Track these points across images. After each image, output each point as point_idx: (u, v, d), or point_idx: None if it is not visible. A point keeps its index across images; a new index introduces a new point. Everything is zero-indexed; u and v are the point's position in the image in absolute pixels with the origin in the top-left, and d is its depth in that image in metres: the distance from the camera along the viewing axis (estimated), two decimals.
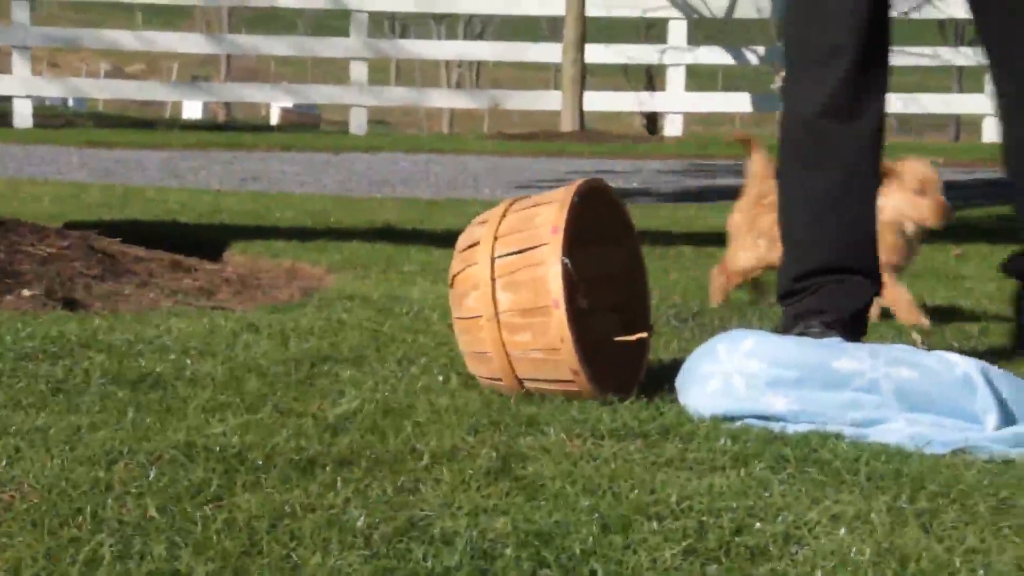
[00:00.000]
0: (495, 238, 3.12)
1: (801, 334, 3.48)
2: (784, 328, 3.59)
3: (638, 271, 3.40)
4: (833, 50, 3.55)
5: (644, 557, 2.06)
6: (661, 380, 3.21)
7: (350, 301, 4.42)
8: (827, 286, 3.61)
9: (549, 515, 2.24)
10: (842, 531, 2.21)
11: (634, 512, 2.26)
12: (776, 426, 2.90)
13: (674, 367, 3.20)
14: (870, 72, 3.60)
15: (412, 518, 2.21)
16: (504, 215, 3.18)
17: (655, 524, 2.21)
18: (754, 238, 4.74)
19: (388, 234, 6.97)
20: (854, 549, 2.12)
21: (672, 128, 18.89)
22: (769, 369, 3.00)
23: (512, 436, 2.75)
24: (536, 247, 3.06)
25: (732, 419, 2.95)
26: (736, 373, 3.01)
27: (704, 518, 2.25)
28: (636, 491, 2.39)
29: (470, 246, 3.18)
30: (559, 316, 3.00)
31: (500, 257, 3.10)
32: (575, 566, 2.02)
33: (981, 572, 2.04)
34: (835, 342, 3.17)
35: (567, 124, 18.77)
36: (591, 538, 2.13)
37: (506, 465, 2.53)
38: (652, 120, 21.02)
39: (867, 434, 2.87)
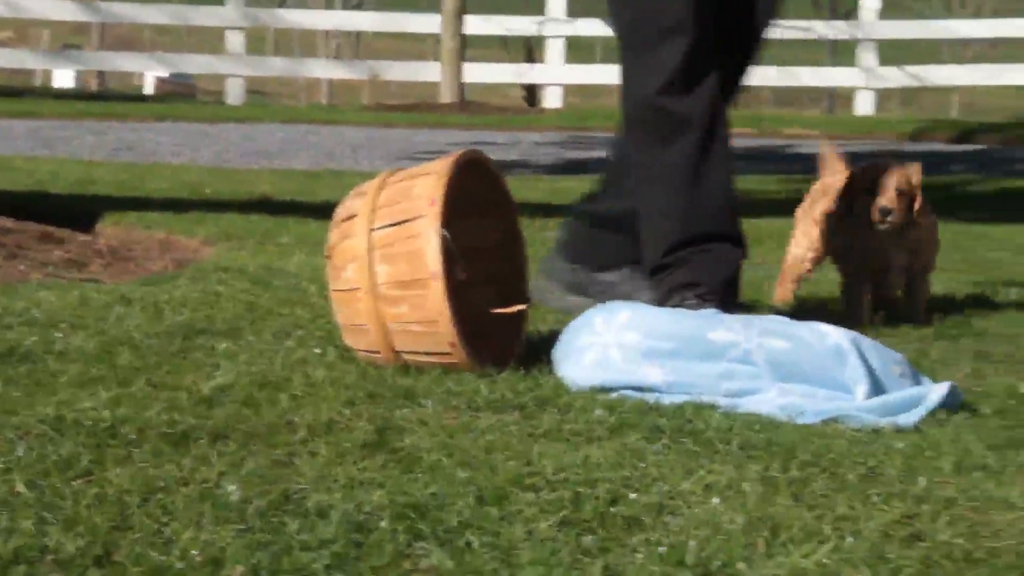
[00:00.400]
0: (373, 210, 3.11)
1: (677, 307, 3.52)
2: (659, 303, 3.62)
3: (516, 243, 3.41)
4: (672, 28, 3.58)
5: (520, 528, 2.07)
6: (539, 352, 3.22)
7: (225, 273, 4.38)
8: (695, 257, 3.66)
9: (425, 487, 2.24)
10: (715, 500, 2.24)
11: (510, 484, 2.27)
12: (651, 397, 2.93)
13: (552, 339, 3.21)
14: (710, 46, 3.64)
15: (287, 492, 2.20)
16: (382, 187, 3.16)
17: (531, 495, 2.22)
18: (803, 230, 4.50)
19: (265, 206, 6.90)
20: (727, 518, 2.14)
21: (551, 100, 18.92)
22: (645, 340, 3.02)
23: (389, 409, 2.74)
24: (414, 219, 3.05)
25: (608, 390, 2.97)
26: (613, 345, 3.03)
27: (580, 489, 2.26)
28: (513, 463, 2.39)
29: (347, 218, 3.16)
30: (437, 289, 2.99)
31: (378, 229, 3.08)
32: (451, 538, 2.02)
33: (850, 539, 2.07)
34: (710, 313, 3.20)
35: (447, 96, 18.73)
36: (467, 510, 2.13)
37: (382, 438, 2.52)
38: (532, 92, 21.04)
39: (740, 404, 2.90)
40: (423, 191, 3.06)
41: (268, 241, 5.46)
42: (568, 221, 4.13)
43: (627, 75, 3.73)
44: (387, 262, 3.05)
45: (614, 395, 2.93)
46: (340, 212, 3.20)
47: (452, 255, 3.14)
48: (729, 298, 3.64)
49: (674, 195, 3.67)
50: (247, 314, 3.67)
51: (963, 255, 5.82)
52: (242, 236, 5.58)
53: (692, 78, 3.62)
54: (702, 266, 3.65)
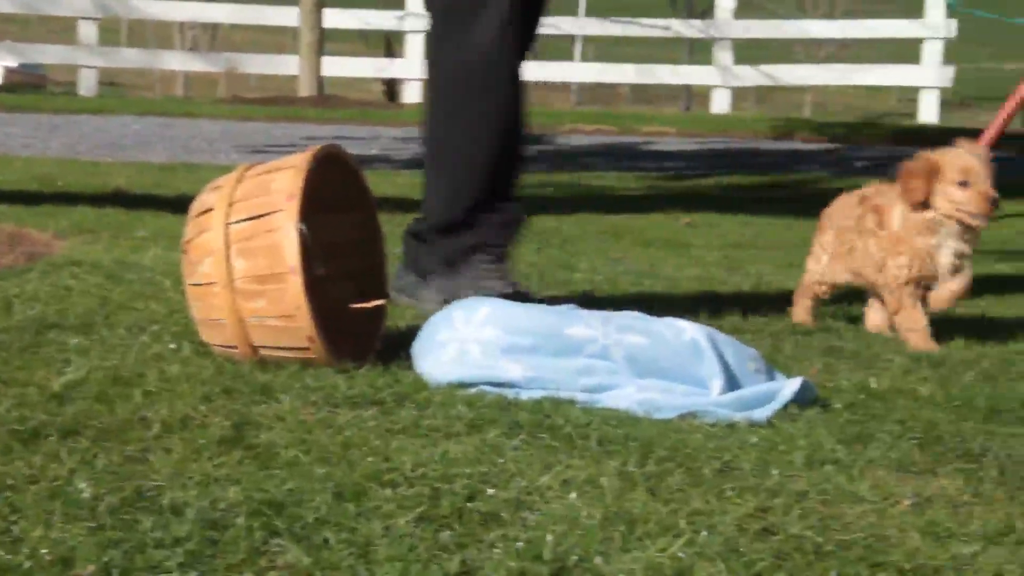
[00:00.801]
0: (230, 204, 3.07)
1: (473, 273, 3.74)
2: (447, 263, 3.80)
3: (375, 238, 3.39)
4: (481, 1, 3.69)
5: (378, 525, 2.06)
6: (398, 347, 3.21)
7: (78, 267, 4.30)
8: (487, 218, 3.81)
9: (282, 484, 2.22)
10: (573, 495, 2.25)
11: (368, 480, 2.26)
12: (511, 392, 2.93)
13: (411, 334, 3.20)
14: (520, 20, 3.80)
15: (140, 489, 2.16)
16: (239, 180, 3.12)
17: (389, 491, 2.21)
18: (817, 252, 4.23)
19: (119, 199, 6.79)
20: (584, 513, 2.15)
21: (411, 95, 18.88)
22: (504, 336, 3.03)
23: (246, 404, 2.71)
24: (272, 213, 3.02)
25: (468, 386, 2.97)
26: (472, 340, 3.03)
27: (438, 485, 2.26)
28: (371, 459, 2.38)
29: (204, 212, 3.12)
30: (295, 283, 2.97)
31: (235, 223, 3.05)
32: (308, 535, 2.01)
33: (704, 533, 2.10)
34: (568, 308, 3.21)
35: (305, 89, 18.59)
36: (324, 506, 2.12)
37: (239, 434, 2.50)
38: (391, 87, 20.98)
39: (599, 400, 2.92)
40: (281, 186, 3.04)
41: (122, 235, 5.38)
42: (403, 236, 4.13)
43: (438, 46, 3.82)
44: (244, 257, 3.02)
45: (473, 391, 2.93)
46: (196, 206, 3.16)
47: (310, 250, 3.12)
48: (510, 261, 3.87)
49: (464, 162, 3.83)
50: (100, 309, 3.61)
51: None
52: (95, 229, 5.49)
53: (502, 53, 3.81)
54: (494, 228, 3.80)
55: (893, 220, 3.85)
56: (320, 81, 18.65)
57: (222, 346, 3.09)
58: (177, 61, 21.91)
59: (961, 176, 3.68)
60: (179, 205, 4.79)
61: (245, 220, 3.04)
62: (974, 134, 7.96)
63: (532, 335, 3.03)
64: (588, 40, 20.64)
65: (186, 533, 1.98)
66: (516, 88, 3.89)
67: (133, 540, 1.95)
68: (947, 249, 3.79)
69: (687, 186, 8.64)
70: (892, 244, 3.84)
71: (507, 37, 3.82)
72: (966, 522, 2.23)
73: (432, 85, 3.90)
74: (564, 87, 18.36)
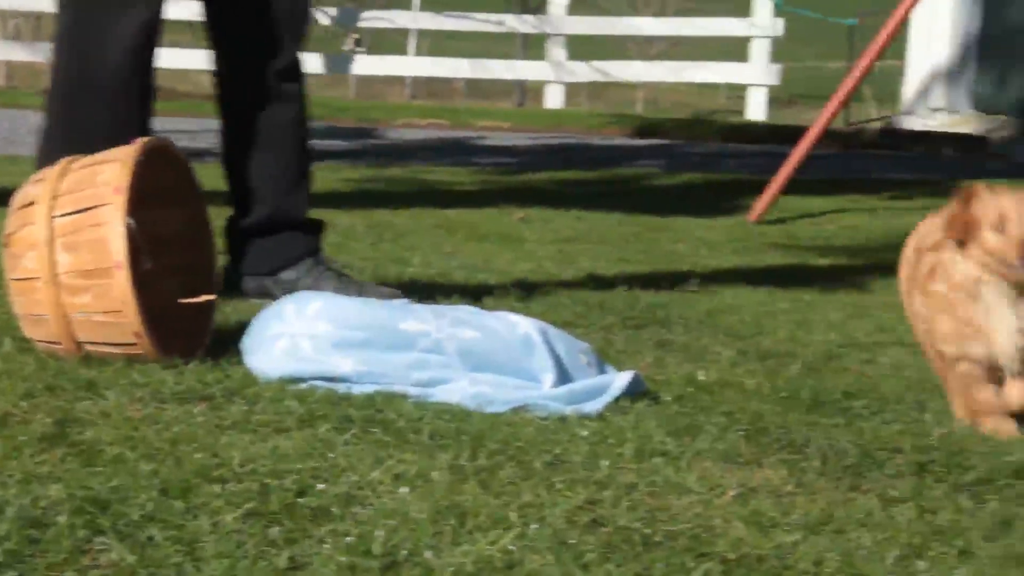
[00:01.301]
0: (54, 197, 3.00)
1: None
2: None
3: (203, 233, 3.35)
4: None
5: (205, 521, 2.03)
6: (227, 342, 3.17)
7: None
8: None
9: (107, 481, 2.18)
10: (404, 490, 2.25)
11: (196, 476, 2.23)
12: (342, 387, 2.92)
13: (241, 329, 3.17)
14: (160, 23, 3.83)
15: None
16: (64, 173, 3.06)
17: (217, 487, 2.19)
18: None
19: None
20: (415, 507, 2.15)
21: None
22: (336, 331, 3.01)
23: (69, 401, 2.66)
24: (98, 207, 2.96)
25: (298, 381, 2.95)
26: (303, 335, 3.01)
27: (267, 480, 2.24)
28: (199, 455, 2.35)
29: (26, 205, 3.04)
30: (122, 278, 2.91)
31: (60, 216, 2.98)
32: (132, 532, 1.97)
33: (535, 526, 2.11)
34: (402, 303, 3.21)
35: None
36: (151, 503, 2.08)
37: (62, 430, 2.45)
38: None
39: (431, 394, 2.92)
40: (108, 179, 2.98)
41: None
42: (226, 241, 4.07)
43: (72, 39, 3.73)
44: (69, 251, 2.96)
45: (304, 385, 2.91)
46: (19, 199, 3.08)
47: (137, 244, 3.07)
48: None
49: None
50: None
51: (645, 247, 5.99)
52: None
53: (141, 53, 3.80)
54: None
55: (946, 270, 2.98)
56: None
57: (45, 342, 3.02)
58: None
59: (996, 219, 2.84)
60: (1, 198, 4.68)
61: (70, 214, 2.97)
62: (800, 132, 8.13)
63: (364, 329, 3.01)
64: (422, 34, 20.62)
65: (5, 532, 1.93)
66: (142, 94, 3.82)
67: None
68: (1003, 319, 2.89)
69: (521, 181, 8.68)
70: (936, 305, 3.01)
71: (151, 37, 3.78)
72: (789, 511, 2.27)
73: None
74: (398, 81, 18.33)
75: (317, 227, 4.01)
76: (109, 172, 2.99)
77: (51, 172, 3.07)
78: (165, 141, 3.18)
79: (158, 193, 3.22)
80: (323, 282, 3.83)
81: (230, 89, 3.99)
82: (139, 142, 3.07)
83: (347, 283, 3.84)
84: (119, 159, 3.01)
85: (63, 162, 3.10)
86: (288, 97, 3.94)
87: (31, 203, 3.03)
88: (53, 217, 2.98)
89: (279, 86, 3.93)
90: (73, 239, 2.96)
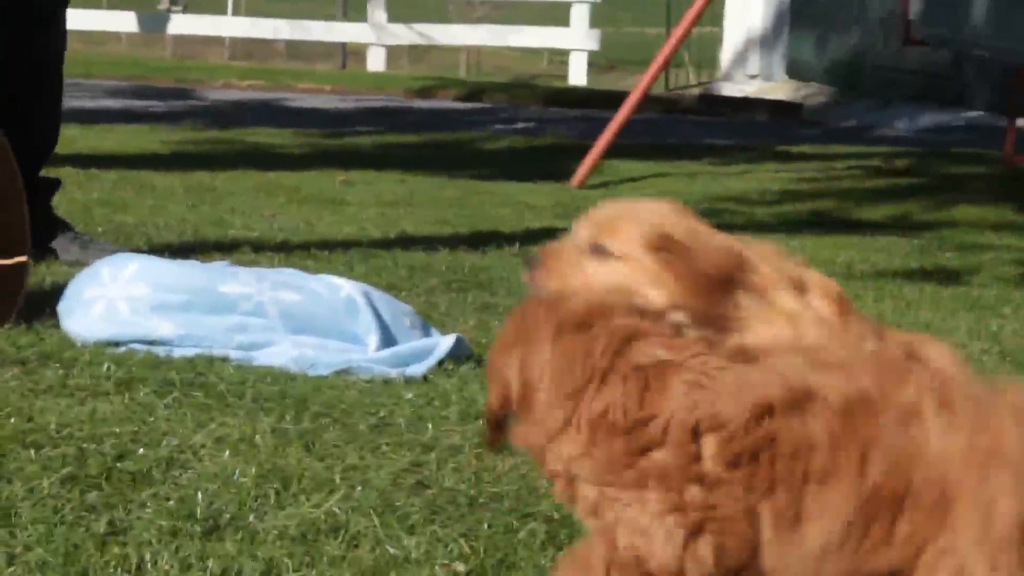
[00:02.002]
0: None
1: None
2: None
3: (11, 193, 3.25)
4: None
5: (20, 487, 1.99)
6: (42, 305, 3.10)
7: None
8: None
9: None
10: (227, 454, 2.22)
11: (10, 441, 2.17)
12: (162, 350, 2.87)
13: (56, 292, 3.09)
14: None
15: None
16: None
17: (32, 452, 2.13)
18: None
19: None
20: (238, 471, 2.13)
21: None
22: (154, 294, 2.95)
23: None
24: None
25: (117, 344, 2.89)
26: (120, 298, 2.95)
27: (85, 445, 2.19)
28: (13, 419, 2.29)
29: None
30: None
31: None
32: None
33: (360, 488, 2.10)
34: (222, 266, 3.16)
35: None
36: None
37: None
38: None
39: (254, 357, 2.89)
40: None
41: None
42: None
43: None
44: None
45: (123, 349, 2.86)
46: None
47: None
48: None
49: None
50: None
51: (469, 211, 6.00)
52: None
53: None
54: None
55: None
56: None
57: None
58: None
59: None
60: None
61: None
62: (620, 96, 8.20)
63: (183, 292, 2.96)
64: None
65: None
66: None
67: None
68: None
69: (343, 144, 8.62)
70: None
71: None
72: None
73: None
74: (216, 42, 18.04)
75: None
76: None
77: None
78: None
79: None
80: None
81: None
82: None
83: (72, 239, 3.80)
84: None
85: None
86: None
87: None
88: None
89: None
90: None
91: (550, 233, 5.36)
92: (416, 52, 18.39)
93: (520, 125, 10.82)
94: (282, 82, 13.88)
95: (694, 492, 1.51)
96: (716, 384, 1.54)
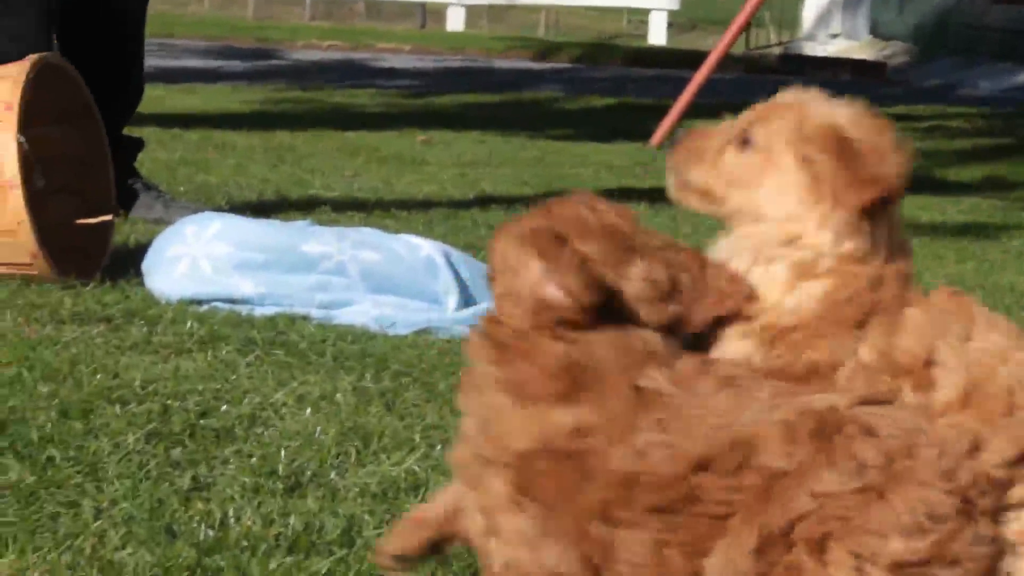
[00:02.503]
0: None
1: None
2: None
3: (100, 153, 3.28)
4: None
5: (106, 442, 2.01)
6: (127, 263, 3.13)
7: None
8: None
9: (4, 402, 2.14)
10: (308, 411, 2.24)
11: (96, 397, 2.20)
12: (244, 309, 2.89)
13: (141, 251, 3.12)
14: None
15: None
16: None
17: (118, 408, 2.16)
18: None
19: None
20: (319, 428, 2.14)
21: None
22: (237, 252, 2.98)
23: None
24: None
25: (200, 302, 2.91)
26: (203, 256, 2.97)
27: (169, 402, 2.22)
28: (99, 376, 2.32)
29: None
30: (15, 197, 2.86)
31: None
32: (32, 453, 1.95)
33: (439, 446, 2.11)
34: (303, 225, 3.18)
35: None
36: (50, 424, 2.06)
37: None
38: None
39: (335, 316, 2.90)
40: None
41: None
42: None
43: None
44: None
45: (205, 307, 2.88)
46: None
47: (30, 162, 3.01)
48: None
49: None
50: None
51: (548, 171, 5.99)
52: None
53: None
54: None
55: None
56: None
57: None
58: None
59: None
60: None
61: None
62: (700, 56, 8.14)
63: (265, 251, 2.98)
64: None
65: None
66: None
67: None
68: None
69: (422, 104, 8.62)
70: None
71: None
72: None
73: None
74: (297, 2, 18.10)
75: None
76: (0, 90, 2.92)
77: None
78: (57, 58, 3.12)
79: (53, 111, 3.15)
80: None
81: None
82: (30, 59, 3.00)
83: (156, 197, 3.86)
84: (10, 76, 2.94)
85: None
86: None
87: None
88: None
89: None
90: None
91: (627, 193, 5.34)
92: (495, 12, 18.33)
93: (599, 85, 10.78)
94: (362, 42, 13.91)
95: None
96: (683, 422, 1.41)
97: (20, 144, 2.87)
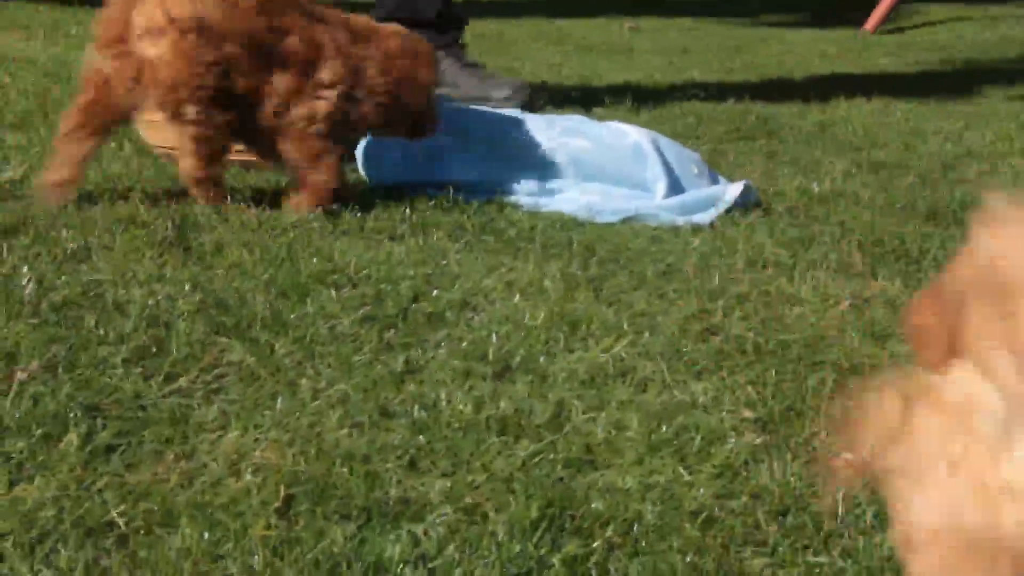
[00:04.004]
0: None
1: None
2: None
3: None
4: None
5: (322, 324, 2.07)
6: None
7: (14, 64, 4.22)
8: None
9: (227, 284, 2.22)
10: (516, 297, 2.26)
11: (312, 281, 2.26)
12: (454, 196, 2.92)
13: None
14: None
15: (84, 286, 2.16)
16: None
17: (333, 292, 2.22)
18: None
19: None
20: (528, 314, 2.17)
21: None
22: (453, 140, 3.01)
23: (189, 204, 2.69)
24: None
25: (411, 188, 2.96)
26: (413, 143, 3.01)
27: (382, 286, 2.26)
28: (315, 260, 2.38)
29: None
30: None
31: None
32: (252, 334, 2.01)
33: (647, 334, 2.12)
34: (513, 112, 3.20)
35: None
36: (269, 307, 2.12)
37: (182, 234, 2.48)
38: None
39: (542, 204, 2.92)
40: None
41: (57, 32, 5.27)
42: None
43: None
44: None
45: (417, 193, 2.92)
46: None
47: None
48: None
49: None
50: (38, 108, 3.55)
51: (756, 58, 5.90)
52: (29, 26, 5.37)
53: None
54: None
55: None
56: None
57: (164, 148, 3.05)
58: None
59: None
60: None
61: None
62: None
63: (478, 140, 3.01)
64: None
65: (131, 330, 1.98)
66: None
67: (78, 336, 1.94)
68: None
69: None
70: None
71: None
72: (904, 322, 2.26)
73: None
74: None
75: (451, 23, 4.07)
76: None
77: None
78: None
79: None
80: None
81: None
82: None
83: (472, 73, 3.90)
84: None
85: None
86: None
87: None
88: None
89: None
90: None
91: (836, 80, 5.24)
92: None
93: None
94: None
95: None
96: None
97: None
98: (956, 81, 5.59)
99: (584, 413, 1.82)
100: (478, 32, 6.01)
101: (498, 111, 3.21)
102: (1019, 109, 4.68)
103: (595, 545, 1.50)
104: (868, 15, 7.12)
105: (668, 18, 6.93)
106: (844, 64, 5.88)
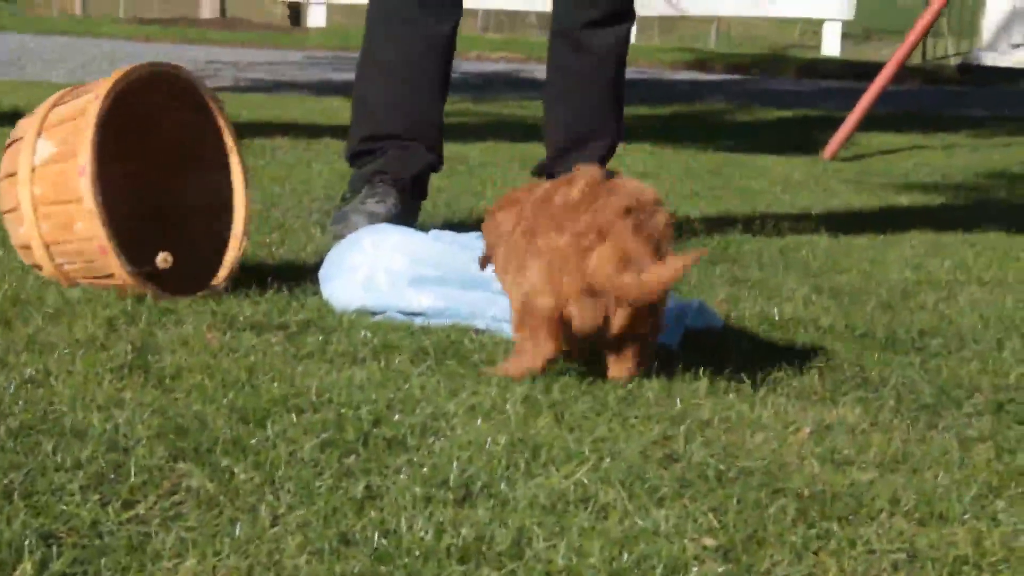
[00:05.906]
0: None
1: (371, 194, 3.84)
2: (352, 188, 3.94)
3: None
4: None
5: (283, 449, 2.05)
6: (303, 273, 3.19)
7: None
8: (391, 151, 3.95)
9: (186, 408, 2.20)
10: (479, 422, 2.26)
11: (273, 405, 2.25)
12: (419, 320, 2.93)
13: (317, 262, 3.18)
14: None
15: (42, 411, 2.14)
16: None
17: (294, 416, 2.21)
18: None
19: (15, 119, 6.65)
20: (490, 439, 2.16)
21: (316, 19, 18.67)
22: (412, 267, 3.01)
23: (148, 328, 2.68)
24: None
25: (375, 313, 2.96)
26: (380, 268, 3.02)
27: (343, 410, 2.25)
28: (276, 384, 2.37)
29: (14, 141, 3.06)
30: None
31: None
32: (212, 459, 2.00)
33: (608, 460, 2.11)
34: (475, 238, 3.21)
35: (207, 11, 18.32)
36: (229, 431, 2.11)
37: (142, 357, 2.48)
38: (295, 10, 20.71)
39: (506, 328, 2.92)
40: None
41: None
42: None
43: None
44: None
45: (379, 317, 2.93)
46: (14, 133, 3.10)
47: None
48: (416, 193, 4.01)
49: (389, 90, 3.94)
50: None
51: (718, 183, 5.96)
52: None
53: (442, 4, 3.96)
54: (396, 159, 3.95)
55: None
56: (223, 2, 18.38)
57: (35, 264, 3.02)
58: None
59: None
60: None
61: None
62: (876, 67, 8.02)
63: (440, 267, 3.02)
64: None
65: (88, 456, 1.96)
66: (419, 35, 3.96)
67: (34, 462, 1.93)
68: None
69: None
70: None
71: None
72: (864, 449, 2.27)
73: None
74: (470, 14, 18.27)
75: None
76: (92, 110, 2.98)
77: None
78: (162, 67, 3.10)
79: (207, 156, 3.17)
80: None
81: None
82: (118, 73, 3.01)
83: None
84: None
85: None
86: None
87: (18, 140, 3.05)
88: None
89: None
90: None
91: (802, 206, 5.29)
92: (666, 23, 18.26)
93: (771, 96, 10.68)
94: (534, 54, 13.97)
95: None
96: None
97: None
98: (915, 209, 5.66)
99: (545, 540, 1.81)
100: (446, 154, 6.04)
101: (462, 236, 3.22)
102: (976, 239, 4.73)
103: None
104: (825, 142, 7.22)
105: (629, 143, 7.00)
106: (804, 190, 5.94)
